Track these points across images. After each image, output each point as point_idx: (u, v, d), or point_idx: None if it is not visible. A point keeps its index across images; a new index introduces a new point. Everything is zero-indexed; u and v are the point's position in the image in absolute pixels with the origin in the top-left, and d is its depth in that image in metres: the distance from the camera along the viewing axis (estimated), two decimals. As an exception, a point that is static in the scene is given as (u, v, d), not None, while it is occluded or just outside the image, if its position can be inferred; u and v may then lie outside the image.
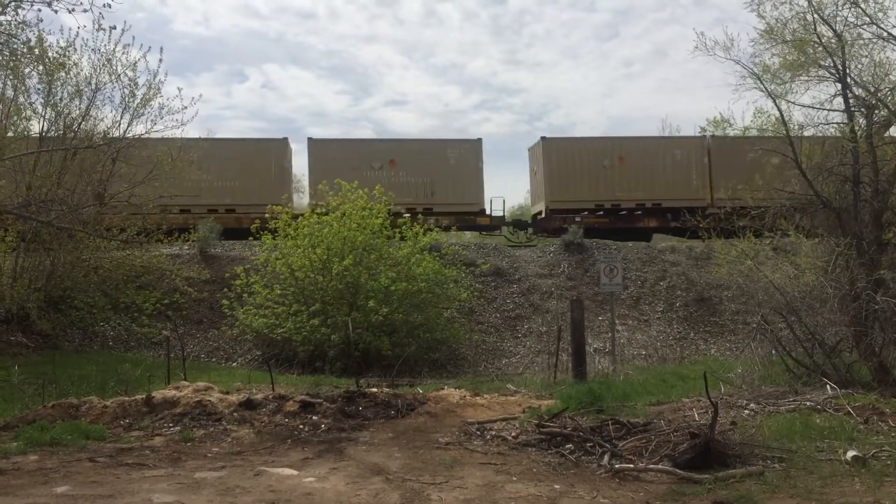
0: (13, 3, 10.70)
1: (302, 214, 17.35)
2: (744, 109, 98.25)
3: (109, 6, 10.53)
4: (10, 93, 15.24)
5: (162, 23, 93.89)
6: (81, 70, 16.19)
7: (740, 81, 12.51)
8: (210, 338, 17.37)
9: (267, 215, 17.07)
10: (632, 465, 6.54)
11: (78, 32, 17.34)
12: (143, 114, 16.88)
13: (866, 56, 12.09)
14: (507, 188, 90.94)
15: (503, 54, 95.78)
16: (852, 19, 11.85)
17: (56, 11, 9.92)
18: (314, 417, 8.60)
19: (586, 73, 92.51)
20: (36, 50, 13.75)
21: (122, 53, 16.21)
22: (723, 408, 7.84)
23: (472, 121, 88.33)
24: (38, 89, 16.01)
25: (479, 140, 26.23)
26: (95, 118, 17.03)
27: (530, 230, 27.40)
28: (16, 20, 10.97)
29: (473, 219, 25.99)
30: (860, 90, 11.96)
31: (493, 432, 8.01)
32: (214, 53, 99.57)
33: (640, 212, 25.91)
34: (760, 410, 8.25)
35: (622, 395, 9.51)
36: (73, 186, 15.73)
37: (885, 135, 12.61)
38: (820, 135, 12.77)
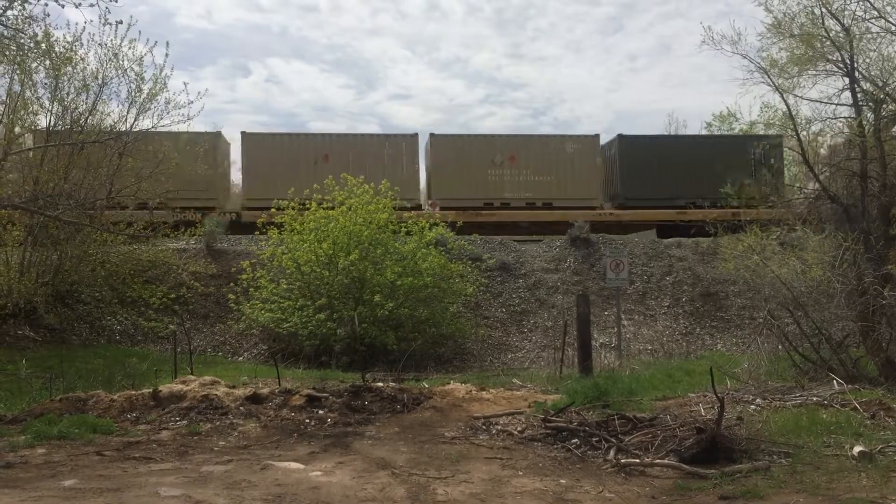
0: (20, -2, 10.69)
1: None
2: (751, 104, 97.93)
3: (115, 0, 10.51)
4: (17, 87, 15.28)
5: (165, 16, 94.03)
6: (88, 65, 16.26)
7: (747, 76, 12.44)
8: (216, 332, 17.41)
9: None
10: (638, 460, 6.54)
11: (84, 27, 17.35)
12: (149, 108, 16.94)
13: (874, 50, 12.02)
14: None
15: (507, 48, 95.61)
16: (860, 13, 11.78)
17: (63, 6, 9.87)
18: (320, 412, 8.62)
19: (591, 67, 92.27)
20: (43, 45, 13.77)
21: (129, 48, 16.26)
22: (729, 403, 7.83)
23: (476, 115, 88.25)
24: (45, 84, 16.07)
25: (597, 136, 26.30)
26: (102, 113, 17.10)
27: None
28: (23, 15, 10.96)
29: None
30: (868, 84, 11.89)
31: (499, 427, 8.02)
32: (218, 47, 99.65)
33: None
34: (767, 405, 8.23)
35: (628, 390, 9.49)
36: (81, 181, 15.79)
37: (893, 129, 12.54)
38: (827, 129, 12.72)
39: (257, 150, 24.46)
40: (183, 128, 17.42)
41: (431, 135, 25.62)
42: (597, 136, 26.01)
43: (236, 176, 27.50)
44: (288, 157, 24.14)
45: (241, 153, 24.82)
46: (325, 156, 24.15)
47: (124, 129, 16.85)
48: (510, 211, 24.65)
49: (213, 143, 24.12)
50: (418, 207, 24.53)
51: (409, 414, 8.75)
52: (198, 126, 24.57)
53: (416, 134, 25.42)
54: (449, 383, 10.52)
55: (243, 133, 24.90)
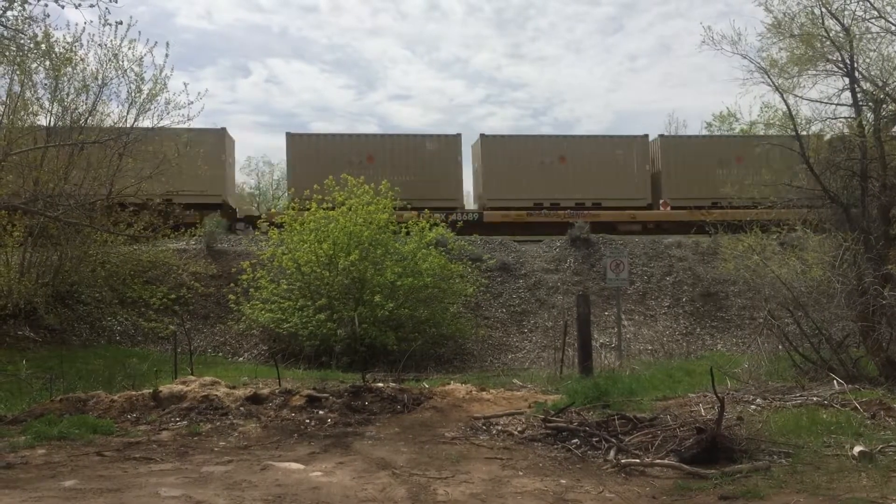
0: (20, -1, 10.68)
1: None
2: (751, 104, 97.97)
3: (115, 1, 10.49)
4: (17, 88, 15.27)
5: (165, 17, 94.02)
6: (88, 65, 16.26)
7: (747, 76, 12.44)
8: (216, 332, 17.42)
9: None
10: (638, 460, 6.54)
11: (84, 28, 17.37)
12: (149, 109, 16.94)
13: (874, 50, 12.03)
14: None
15: (507, 48, 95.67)
16: (860, 13, 11.79)
17: (62, 7, 9.86)
18: (320, 412, 8.62)
19: (591, 67, 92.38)
20: (42, 45, 13.76)
21: (129, 49, 16.26)
22: (729, 403, 7.83)
23: (476, 115, 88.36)
24: (45, 84, 16.09)
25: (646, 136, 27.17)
26: (102, 113, 17.09)
27: None
28: (23, 15, 10.95)
29: None
30: (868, 84, 11.90)
31: (500, 427, 8.01)
32: (218, 48, 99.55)
33: None
34: (767, 405, 8.23)
35: (628, 390, 9.49)
36: (81, 181, 15.78)
37: (893, 129, 12.54)
38: (827, 130, 12.73)
39: (495, 151, 25.76)
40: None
41: (660, 136, 26.67)
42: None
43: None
44: (523, 158, 25.42)
45: (479, 154, 26.02)
46: (560, 158, 25.44)
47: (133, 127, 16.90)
48: (734, 210, 25.22)
49: (455, 145, 25.60)
50: (648, 207, 25.87)
51: (410, 414, 8.74)
52: (199, 126, 24.57)
53: (647, 135, 26.45)
54: (449, 384, 10.52)
55: (482, 136, 26.04)
